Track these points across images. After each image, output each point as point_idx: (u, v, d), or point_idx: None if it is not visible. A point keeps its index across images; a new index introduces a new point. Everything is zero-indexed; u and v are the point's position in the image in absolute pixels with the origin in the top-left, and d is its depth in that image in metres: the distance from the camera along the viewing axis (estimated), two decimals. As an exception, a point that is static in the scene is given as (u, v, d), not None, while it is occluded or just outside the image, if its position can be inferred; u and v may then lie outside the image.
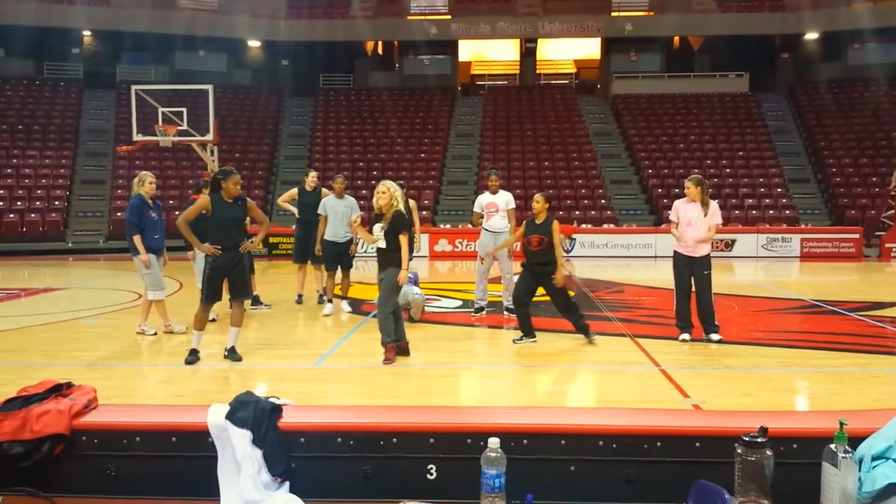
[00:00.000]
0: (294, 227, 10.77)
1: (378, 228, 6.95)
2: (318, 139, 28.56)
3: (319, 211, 9.87)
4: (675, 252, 8.13)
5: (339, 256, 9.87)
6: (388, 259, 7.00)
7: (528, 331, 8.04)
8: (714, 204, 8.00)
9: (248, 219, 7.56)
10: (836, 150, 26.19)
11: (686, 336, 8.06)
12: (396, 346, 7.16)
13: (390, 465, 3.02)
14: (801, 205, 24.13)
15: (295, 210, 10.68)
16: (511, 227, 9.44)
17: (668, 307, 8.41)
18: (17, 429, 3.02)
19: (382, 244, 6.97)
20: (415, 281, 9.81)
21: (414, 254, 9.16)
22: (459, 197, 25.01)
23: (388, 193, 6.94)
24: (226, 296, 7.35)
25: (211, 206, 6.95)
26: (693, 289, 8.05)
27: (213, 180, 7.20)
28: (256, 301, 10.39)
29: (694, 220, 7.92)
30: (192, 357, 7.10)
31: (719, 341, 7.95)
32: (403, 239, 6.96)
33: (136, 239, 8.21)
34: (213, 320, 9.11)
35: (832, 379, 6.70)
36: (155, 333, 8.47)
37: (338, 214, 9.75)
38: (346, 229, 9.74)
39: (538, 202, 7.93)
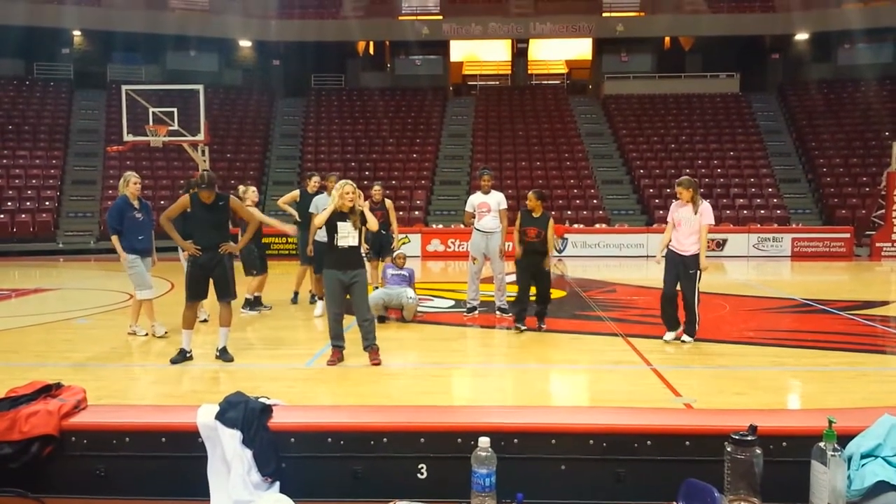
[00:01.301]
0: (295, 228, 10.66)
1: (350, 227, 6.89)
2: (310, 139, 28.50)
3: (311, 210, 9.74)
4: (668, 249, 8.22)
5: None
6: (359, 258, 7.08)
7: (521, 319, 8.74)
8: (705, 204, 8.06)
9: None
10: (827, 150, 26.29)
11: (670, 335, 8.10)
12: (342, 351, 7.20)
13: (381, 465, 3.02)
14: (791, 205, 24.23)
15: (295, 212, 10.59)
16: (503, 227, 9.45)
17: (659, 307, 8.42)
18: (6, 430, 3.00)
19: (353, 242, 6.95)
20: (410, 278, 9.76)
21: (395, 252, 9.86)
22: (452, 197, 24.98)
23: (357, 194, 6.99)
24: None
25: (190, 205, 6.98)
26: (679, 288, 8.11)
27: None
28: (258, 303, 10.31)
29: (684, 220, 8.03)
30: (180, 356, 7.08)
31: (684, 341, 7.99)
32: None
33: (114, 240, 8.19)
34: (205, 321, 9.09)
35: (823, 377, 6.74)
36: (146, 334, 8.44)
37: None
38: None
39: (531, 200, 8.70)
